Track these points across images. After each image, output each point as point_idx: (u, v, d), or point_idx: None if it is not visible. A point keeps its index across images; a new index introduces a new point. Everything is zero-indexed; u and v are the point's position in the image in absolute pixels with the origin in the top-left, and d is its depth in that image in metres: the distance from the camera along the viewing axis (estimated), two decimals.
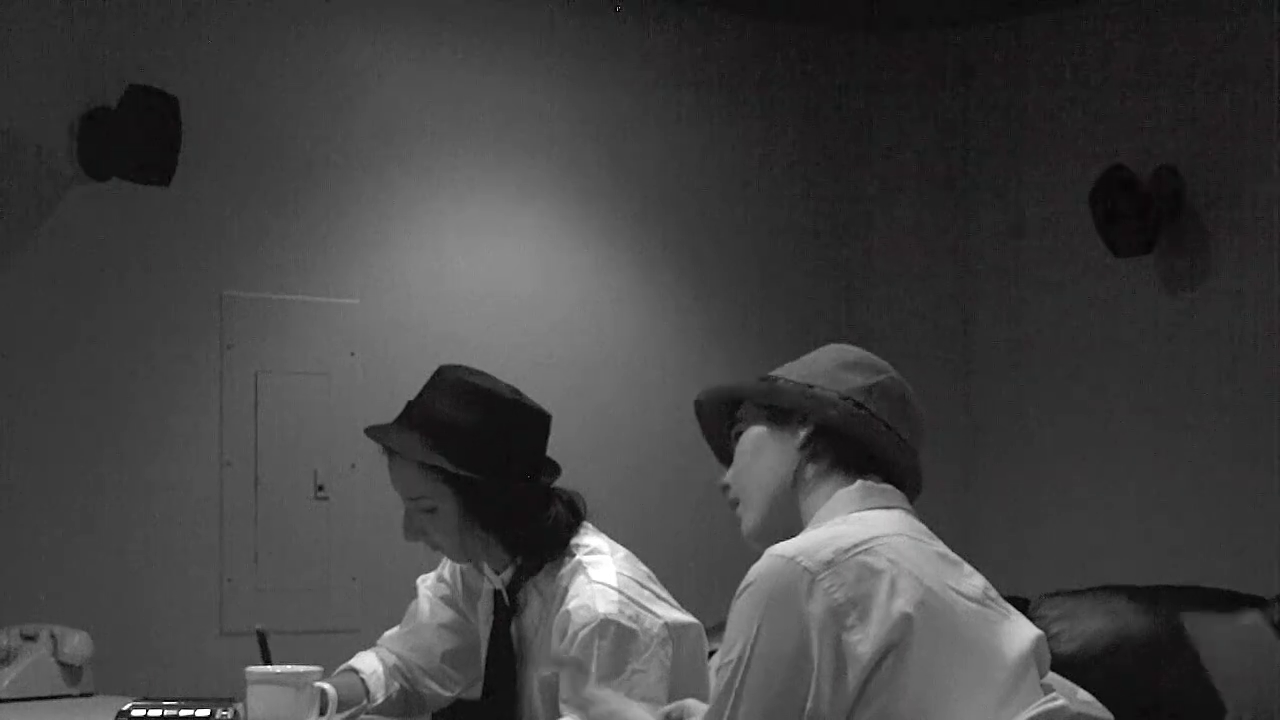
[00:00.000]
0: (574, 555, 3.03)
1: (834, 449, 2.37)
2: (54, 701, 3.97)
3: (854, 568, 2.13)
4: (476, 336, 5.82)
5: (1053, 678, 4.58)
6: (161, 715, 2.91)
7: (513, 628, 3.08)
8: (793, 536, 2.26)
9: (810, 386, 2.39)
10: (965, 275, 6.90)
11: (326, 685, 3.07)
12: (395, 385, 6.06)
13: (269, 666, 2.91)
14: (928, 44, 6.93)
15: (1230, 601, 5.47)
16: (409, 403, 3.13)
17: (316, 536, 5.66)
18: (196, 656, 5.32)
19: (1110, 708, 5.00)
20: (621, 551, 3.06)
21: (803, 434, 2.37)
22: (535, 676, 3.01)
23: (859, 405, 2.38)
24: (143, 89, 5.22)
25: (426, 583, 3.37)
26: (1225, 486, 6.10)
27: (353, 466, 5.69)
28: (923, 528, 2.36)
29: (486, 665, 3.15)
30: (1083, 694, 4.84)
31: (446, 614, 3.31)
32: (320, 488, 5.67)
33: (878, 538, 2.19)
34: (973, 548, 6.70)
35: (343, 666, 3.30)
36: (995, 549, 6.70)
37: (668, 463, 6.18)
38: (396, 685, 3.28)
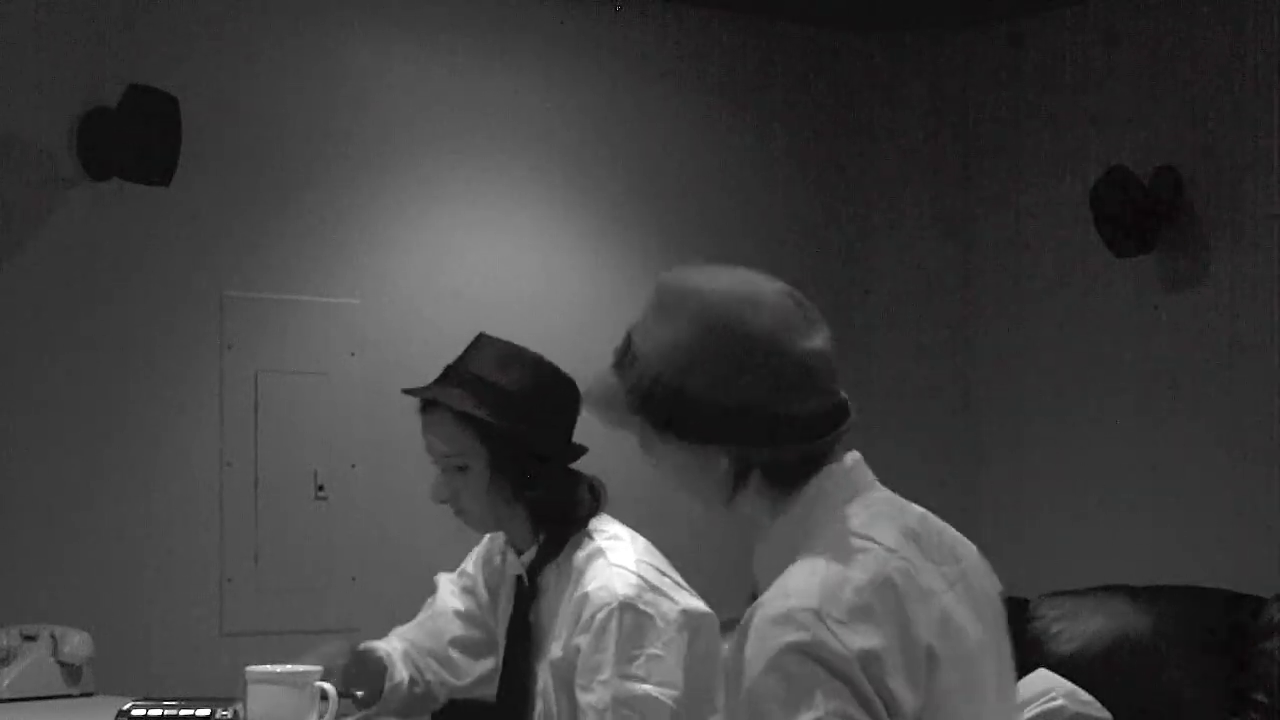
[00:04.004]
0: (593, 539, 3.02)
1: (764, 471, 2.05)
2: (54, 701, 3.97)
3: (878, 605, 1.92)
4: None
5: (1052, 677, 4.58)
6: (161, 715, 2.92)
7: (531, 614, 3.07)
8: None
9: (707, 402, 2.02)
10: (965, 275, 6.90)
11: (327, 685, 3.07)
12: (395, 385, 6.05)
13: (269, 666, 2.91)
14: (928, 44, 6.93)
15: (1230, 601, 5.47)
16: (448, 365, 3.12)
17: (316, 536, 5.66)
18: (196, 656, 5.32)
19: (1110, 708, 5.00)
20: (641, 540, 3.06)
21: (721, 467, 2.05)
22: (548, 658, 3.00)
23: (773, 419, 2.01)
24: (143, 89, 5.21)
25: (448, 575, 3.36)
26: (1225, 487, 6.10)
27: (353, 467, 5.69)
28: (895, 500, 2.15)
29: (505, 653, 3.14)
30: (1082, 694, 4.84)
31: (463, 602, 3.31)
32: (320, 488, 5.67)
33: (884, 561, 1.98)
34: None
35: (360, 646, 3.29)
36: (995, 549, 6.67)
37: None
38: (407, 673, 3.27)
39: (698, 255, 7.16)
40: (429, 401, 3.08)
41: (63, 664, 4.03)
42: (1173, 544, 6.19)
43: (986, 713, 2.03)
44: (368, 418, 5.71)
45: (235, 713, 2.90)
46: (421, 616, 3.36)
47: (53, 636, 4.04)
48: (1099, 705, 4.80)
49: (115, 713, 2.94)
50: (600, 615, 2.88)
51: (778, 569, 1.98)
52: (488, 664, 3.28)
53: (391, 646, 3.30)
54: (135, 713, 2.91)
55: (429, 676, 3.30)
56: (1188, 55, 6.28)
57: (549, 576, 3.06)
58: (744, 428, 2.03)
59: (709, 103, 6.59)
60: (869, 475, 2.14)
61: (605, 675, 2.86)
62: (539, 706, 3.03)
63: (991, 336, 6.83)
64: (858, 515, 2.05)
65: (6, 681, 3.94)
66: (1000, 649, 2.11)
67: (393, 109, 5.90)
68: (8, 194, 5.23)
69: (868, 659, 1.86)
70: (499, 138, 6.11)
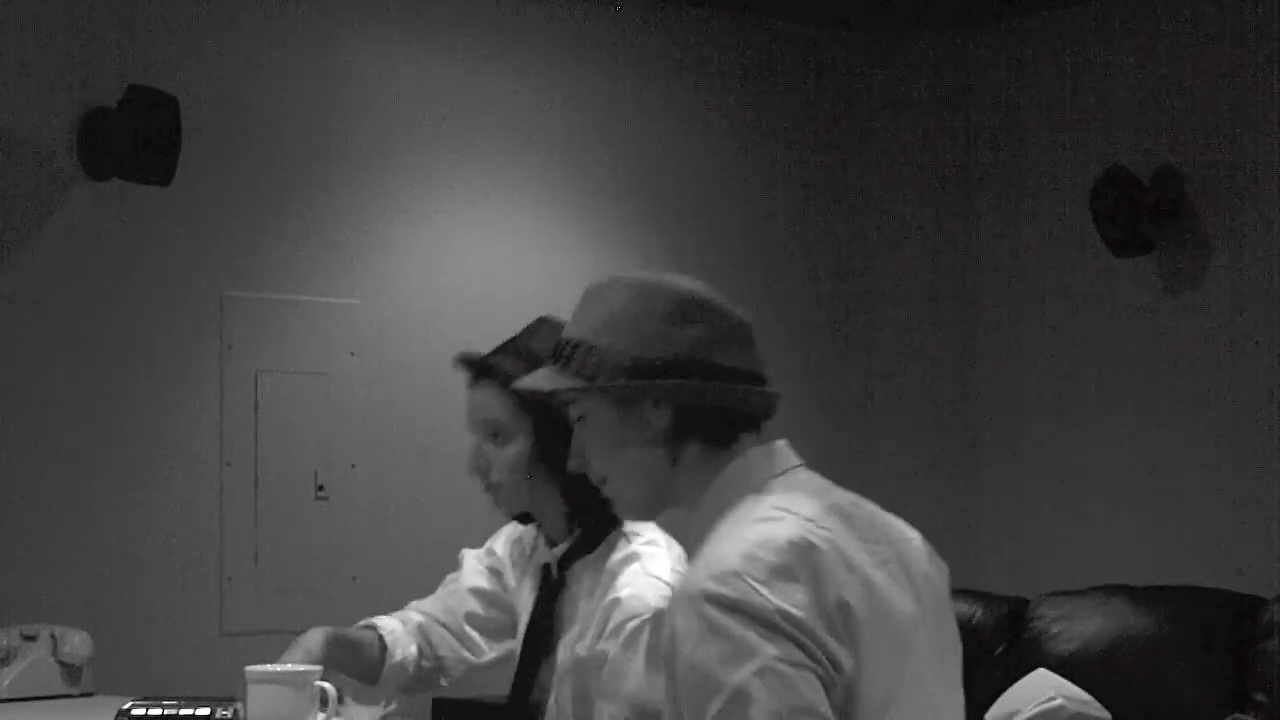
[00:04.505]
0: (630, 543, 2.99)
1: (702, 425, 2.11)
2: (54, 701, 3.96)
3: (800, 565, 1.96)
4: (476, 336, 5.80)
5: (1051, 677, 4.58)
6: (161, 715, 2.91)
7: (556, 608, 3.05)
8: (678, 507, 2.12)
9: (645, 359, 2.10)
10: (965, 275, 6.90)
11: (327, 684, 3.07)
12: (395, 385, 6.09)
13: (269, 666, 2.91)
14: (928, 44, 6.93)
15: (1230, 601, 5.47)
16: (506, 341, 3.09)
17: (316, 536, 5.66)
18: (196, 656, 5.32)
19: (1110, 708, 5.00)
20: (677, 548, 3.02)
21: (660, 425, 2.12)
22: (568, 654, 2.98)
23: (711, 367, 2.10)
24: (143, 89, 5.22)
25: (474, 552, 3.33)
26: (1225, 486, 6.10)
27: (353, 467, 5.69)
28: (822, 481, 2.18)
29: (524, 643, 3.11)
30: (1081, 693, 4.84)
31: (485, 581, 3.27)
32: (320, 488, 5.67)
33: (807, 524, 2.01)
34: (973, 547, 6.71)
35: (363, 622, 3.28)
36: (995, 549, 6.70)
37: None
38: (414, 647, 3.25)
39: (697, 255, 7.22)
40: (481, 370, 3.03)
41: (63, 664, 4.03)
42: (1173, 544, 6.19)
43: (922, 693, 2.03)
44: (368, 418, 5.71)
45: (235, 712, 2.90)
46: (442, 590, 3.33)
47: (53, 636, 4.04)
48: (1098, 705, 4.80)
49: (115, 713, 2.94)
50: (631, 625, 2.86)
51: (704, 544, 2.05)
52: (506, 646, 3.25)
53: (394, 624, 3.27)
54: (135, 713, 2.91)
55: (442, 651, 3.27)
56: (1188, 55, 6.28)
57: (579, 572, 3.03)
58: (686, 373, 2.11)
59: (709, 103, 6.59)
60: (795, 459, 2.19)
61: (630, 688, 2.84)
62: (551, 700, 3.01)
63: (991, 336, 6.83)
64: (777, 491, 2.10)
65: (6, 681, 3.94)
66: (941, 631, 2.11)
67: (393, 109, 5.90)
68: (8, 194, 5.23)
69: (791, 615, 1.91)
70: (499, 138, 6.11)
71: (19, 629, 4.06)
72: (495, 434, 3.01)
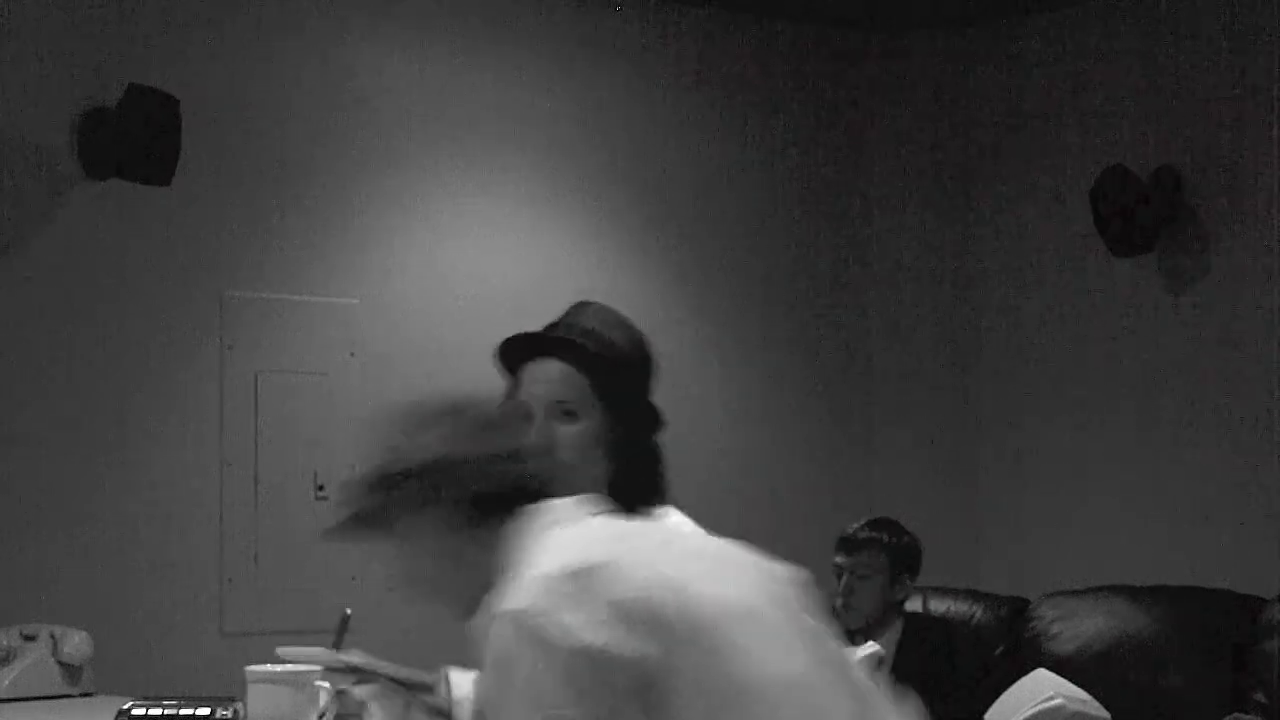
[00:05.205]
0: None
1: (484, 508, 2.31)
2: (54, 701, 3.97)
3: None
4: (476, 336, 5.80)
5: (1051, 677, 4.56)
6: (161, 715, 2.91)
7: None
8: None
9: (471, 463, 2.32)
10: (965, 275, 6.89)
11: (327, 685, 3.06)
12: (395, 385, 6.08)
13: (269, 666, 2.90)
14: (928, 44, 6.92)
15: (1230, 601, 5.47)
16: (552, 322, 3.02)
17: (316, 536, 5.65)
18: (196, 656, 5.32)
19: (1110, 708, 4.99)
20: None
21: (456, 520, 2.33)
22: None
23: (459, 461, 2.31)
24: (143, 89, 5.21)
25: None
26: (1225, 486, 6.10)
27: (353, 467, 5.68)
28: (610, 522, 2.35)
29: None
30: (1081, 693, 4.83)
31: None
32: (320, 488, 5.67)
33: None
34: (973, 548, 6.71)
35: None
36: (996, 549, 6.70)
37: (665, 461, 6.16)
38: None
39: (697, 255, 7.23)
40: (544, 347, 2.96)
41: (63, 664, 4.03)
42: (1173, 544, 6.19)
43: (755, 670, 2.06)
44: (368, 418, 5.70)
45: (235, 712, 2.90)
46: None
47: (53, 636, 4.04)
48: (1098, 704, 4.80)
49: (115, 713, 2.94)
50: None
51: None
52: None
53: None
54: (135, 713, 2.91)
55: None
56: (1188, 55, 6.27)
57: None
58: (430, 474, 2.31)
59: (709, 102, 6.59)
60: (587, 510, 2.33)
61: None
62: None
63: (992, 336, 6.82)
64: (564, 528, 2.25)
65: (6, 681, 3.94)
66: (776, 611, 2.15)
67: (393, 109, 5.90)
68: (8, 194, 5.23)
69: (583, 643, 2.02)
70: (499, 138, 6.10)
71: (19, 629, 4.06)
72: (567, 412, 2.95)
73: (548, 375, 2.95)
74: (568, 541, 2.18)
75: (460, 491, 2.28)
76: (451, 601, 2.32)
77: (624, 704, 2.02)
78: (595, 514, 2.31)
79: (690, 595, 2.07)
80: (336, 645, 2.93)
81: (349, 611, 3.02)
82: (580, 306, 3.06)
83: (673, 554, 2.19)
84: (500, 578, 2.20)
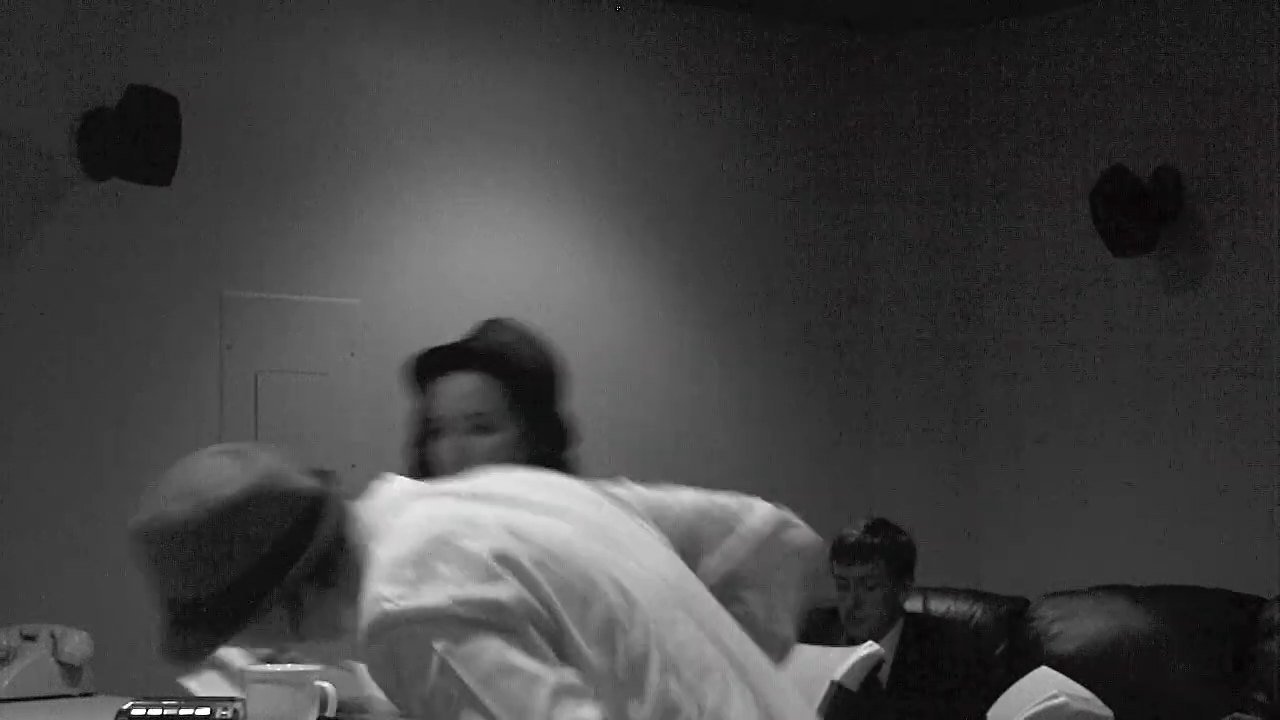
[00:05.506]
0: None
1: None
2: (54, 701, 3.96)
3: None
4: None
5: (1053, 675, 4.55)
6: (161, 715, 2.91)
7: None
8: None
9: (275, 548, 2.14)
10: (965, 275, 6.90)
11: (327, 684, 3.07)
12: (395, 385, 6.06)
13: (269, 666, 2.91)
14: (928, 44, 6.93)
15: (1230, 601, 5.47)
16: (463, 339, 3.04)
17: None
18: None
19: (1110, 708, 4.99)
20: None
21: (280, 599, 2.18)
22: None
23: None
24: (143, 89, 5.22)
25: None
26: (1225, 486, 6.10)
27: (353, 466, 5.69)
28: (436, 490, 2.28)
29: None
30: (1084, 691, 4.83)
31: None
32: None
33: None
34: (973, 548, 6.71)
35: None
36: (995, 549, 6.70)
37: (666, 461, 6.17)
38: None
39: (697, 255, 7.22)
40: (458, 361, 2.99)
41: (63, 664, 4.03)
42: (1173, 544, 6.19)
43: (616, 570, 2.09)
44: (368, 418, 5.71)
45: (235, 712, 2.90)
46: None
47: (53, 636, 4.04)
48: (1100, 703, 4.79)
49: (115, 713, 2.94)
50: None
51: None
52: None
53: None
54: (135, 713, 2.91)
55: None
56: (1188, 55, 6.28)
57: None
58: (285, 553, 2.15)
59: (709, 103, 6.59)
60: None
61: None
62: None
63: (991, 336, 6.82)
64: (392, 514, 2.19)
65: (6, 681, 3.94)
66: (620, 516, 2.21)
67: (393, 109, 5.90)
68: (8, 194, 5.23)
69: (444, 607, 1.98)
70: (499, 137, 6.11)
71: (19, 629, 4.06)
72: (482, 426, 2.97)
73: (462, 389, 2.97)
74: (397, 533, 2.11)
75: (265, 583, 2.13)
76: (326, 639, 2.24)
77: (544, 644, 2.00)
78: (402, 500, 2.22)
79: (522, 529, 2.08)
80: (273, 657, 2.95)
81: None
82: (492, 323, 3.07)
83: (491, 503, 2.16)
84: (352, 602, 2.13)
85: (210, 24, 5.56)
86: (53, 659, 4.01)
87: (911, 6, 6.69)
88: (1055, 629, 5.58)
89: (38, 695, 3.97)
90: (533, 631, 1.99)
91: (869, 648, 3.73)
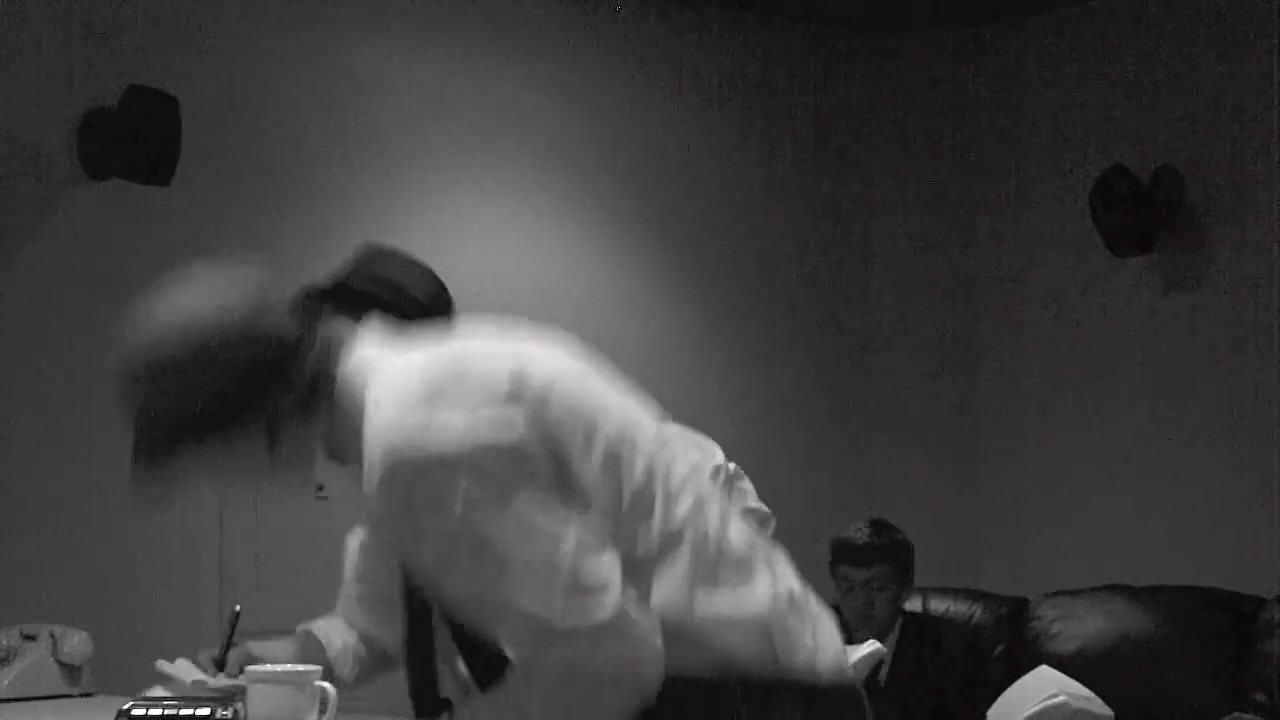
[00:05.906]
0: None
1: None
2: (54, 701, 3.96)
3: None
4: None
5: (1054, 674, 4.56)
6: (161, 715, 2.91)
7: None
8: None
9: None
10: (965, 275, 6.90)
11: (327, 685, 3.06)
12: None
13: (269, 666, 2.91)
14: (927, 44, 6.93)
15: (1230, 601, 5.47)
16: (344, 270, 3.00)
17: (316, 536, 5.65)
18: None
19: (1110, 707, 4.98)
20: None
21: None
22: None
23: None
24: (143, 89, 5.22)
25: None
26: (1225, 486, 6.10)
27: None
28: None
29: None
30: (1084, 690, 4.83)
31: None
32: (320, 488, 5.65)
33: None
34: (973, 547, 6.71)
35: (301, 628, 3.27)
36: (996, 549, 6.70)
37: None
38: (352, 638, 3.24)
39: (697, 254, 7.21)
40: (346, 302, 2.97)
41: (63, 664, 4.02)
42: (1173, 544, 6.19)
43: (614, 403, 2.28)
44: None
45: (235, 712, 2.90)
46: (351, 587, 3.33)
47: (53, 636, 4.03)
48: (1101, 702, 4.79)
49: (115, 713, 2.94)
50: None
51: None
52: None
53: (329, 621, 3.27)
54: (135, 713, 2.91)
55: (383, 632, 3.27)
56: (1187, 56, 6.28)
57: None
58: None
59: (709, 103, 6.59)
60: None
61: None
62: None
63: (991, 336, 6.83)
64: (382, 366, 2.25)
65: (6, 681, 3.94)
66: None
67: (393, 109, 5.90)
68: (8, 194, 5.23)
69: (463, 453, 2.05)
70: (499, 138, 6.11)
71: (19, 629, 4.06)
72: None
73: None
74: (401, 368, 2.17)
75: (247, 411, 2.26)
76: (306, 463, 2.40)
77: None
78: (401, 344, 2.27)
79: (534, 355, 2.22)
80: (226, 644, 2.95)
81: (238, 609, 3.05)
82: (378, 254, 3.05)
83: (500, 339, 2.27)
84: (347, 436, 2.24)
85: (210, 24, 5.56)
86: (53, 659, 4.01)
87: (911, 6, 6.69)
88: (1055, 629, 5.58)
89: (38, 695, 3.97)
90: (546, 472, 2.05)
91: (870, 645, 3.72)
